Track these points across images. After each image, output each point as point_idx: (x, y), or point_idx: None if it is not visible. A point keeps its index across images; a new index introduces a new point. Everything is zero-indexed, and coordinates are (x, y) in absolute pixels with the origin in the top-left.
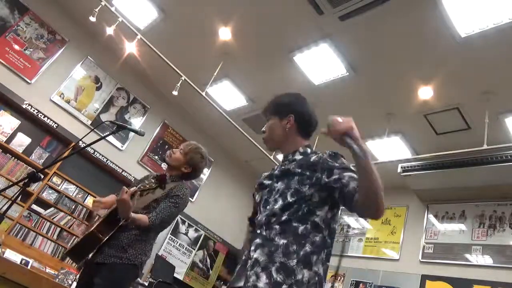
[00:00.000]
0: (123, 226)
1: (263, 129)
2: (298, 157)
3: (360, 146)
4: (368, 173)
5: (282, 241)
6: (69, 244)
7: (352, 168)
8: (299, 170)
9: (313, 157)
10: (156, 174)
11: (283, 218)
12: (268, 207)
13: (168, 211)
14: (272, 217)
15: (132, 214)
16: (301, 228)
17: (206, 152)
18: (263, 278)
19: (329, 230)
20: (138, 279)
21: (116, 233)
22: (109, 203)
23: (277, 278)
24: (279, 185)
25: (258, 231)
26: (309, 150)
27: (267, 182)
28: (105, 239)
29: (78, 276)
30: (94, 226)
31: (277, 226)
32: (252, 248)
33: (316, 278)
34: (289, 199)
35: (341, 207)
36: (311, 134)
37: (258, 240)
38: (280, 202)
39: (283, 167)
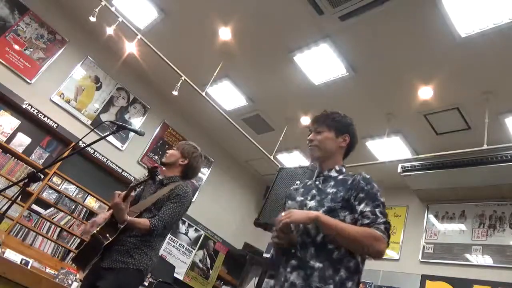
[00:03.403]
0: (128, 231)
1: (311, 137)
2: (333, 174)
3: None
4: (342, 237)
5: (318, 265)
6: (69, 244)
7: (379, 196)
8: (334, 190)
9: (348, 178)
10: (147, 167)
11: (318, 239)
12: (300, 225)
13: (171, 213)
14: (307, 237)
15: (130, 218)
16: (335, 252)
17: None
18: None
19: (361, 256)
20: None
21: (122, 238)
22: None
23: None
24: (312, 203)
25: (293, 251)
26: (344, 170)
27: (299, 198)
28: (107, 242)
29: (81, 278)
30: (97, 229)
31: (312, 248)
32: (288, 269)
33: None
34: None
35: None
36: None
37: (293, 262)
38: None
39: (317, 183)
